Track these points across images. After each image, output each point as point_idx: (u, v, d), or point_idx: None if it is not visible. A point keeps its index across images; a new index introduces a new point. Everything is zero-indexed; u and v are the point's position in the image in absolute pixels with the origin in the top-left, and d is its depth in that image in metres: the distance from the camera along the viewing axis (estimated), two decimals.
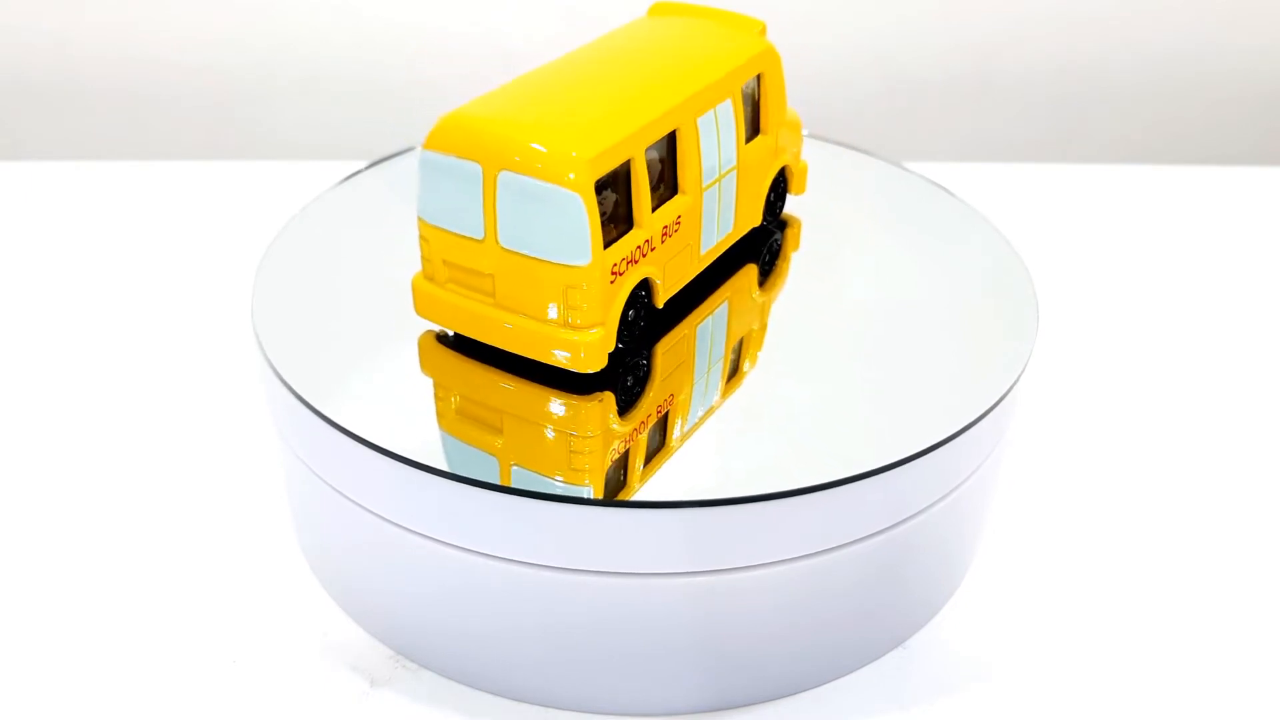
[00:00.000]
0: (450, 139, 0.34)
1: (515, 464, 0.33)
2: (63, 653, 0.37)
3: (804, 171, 0.45)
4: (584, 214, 0.33)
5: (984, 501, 0.39)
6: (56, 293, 0.55)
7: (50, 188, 0.65)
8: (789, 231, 0.45)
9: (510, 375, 0.36)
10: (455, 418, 0.35)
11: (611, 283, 0.35)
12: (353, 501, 0.35)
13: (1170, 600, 0.40)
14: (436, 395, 0.36)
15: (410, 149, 0.50)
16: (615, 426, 0.34)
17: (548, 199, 0.33)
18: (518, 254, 0.34)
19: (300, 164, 0.67)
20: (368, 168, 0.48)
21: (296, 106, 0.73)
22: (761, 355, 0.38)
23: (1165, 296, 0.57)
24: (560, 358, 0.35)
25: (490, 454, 0.33)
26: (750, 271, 0.42)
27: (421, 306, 0.37)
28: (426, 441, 0.34)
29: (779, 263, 0.43)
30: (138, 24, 0.70)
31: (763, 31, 0.42)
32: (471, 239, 0.35)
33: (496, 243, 0.35)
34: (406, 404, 0.36)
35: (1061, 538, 0.42)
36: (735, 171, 0.40)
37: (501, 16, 0.70)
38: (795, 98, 0.74)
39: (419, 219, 0.36)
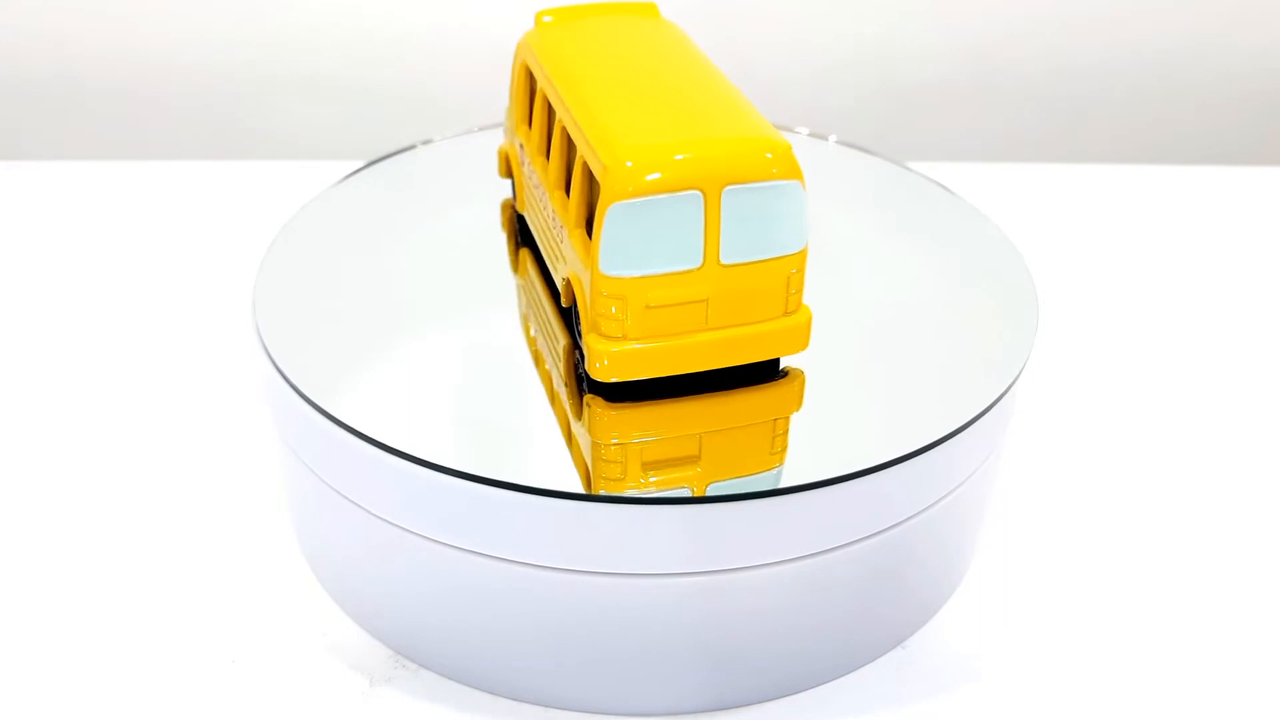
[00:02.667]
0: (650, 178, 0.33)
1: (716, 480, 0.33)
2: (63, 653, 0.37)
3: None
4: (804, 198, 0.34)
5: (984, 501, 0.39)
6: (57, 293, 0.55)
7: (50, 188, 0.65)
8: None
9: (677, 400, 0.35)
10: (648, 468, 0.34)
11: None
12: (352, 502, 0.35)
13: (1170, 600, 0.40)
14: (609, 456, 0.34)
15: (411, 147, 0.50)
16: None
17: (777, 197, 0.34)
18: (741, 265, 0.34)
19: (300, 164, 0.67)
20: (367, 167, 0.48)
21: (296, 106, 0.73)
22: None
23: (1166, 296, 0.57)
24: (778, 348, 0.36)
25: (688, 485, 0.33)
26: None
27: (610, 367, 0.34)
28: (427, 440, 0.34)
29: None
30: (137, 24, 0.70)
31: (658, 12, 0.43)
32: (685, 271, 0.34)
33: (717, 263, 0.34)
34: (407, 403, 0.36)
35: (1061, 538, 0.42)
36: None
37: (502, 16, 0.70)
38: (795, 97, 0.74)
39: (605, 278, 0.33)
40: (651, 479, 0.33)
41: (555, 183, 0.37)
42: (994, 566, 0.41)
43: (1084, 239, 0.62)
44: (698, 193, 0.33)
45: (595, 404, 0.35)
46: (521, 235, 0.44)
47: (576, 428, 0.35)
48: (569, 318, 0.38)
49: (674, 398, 0.35)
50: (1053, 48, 0.73)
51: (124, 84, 0.72)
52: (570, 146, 0.37)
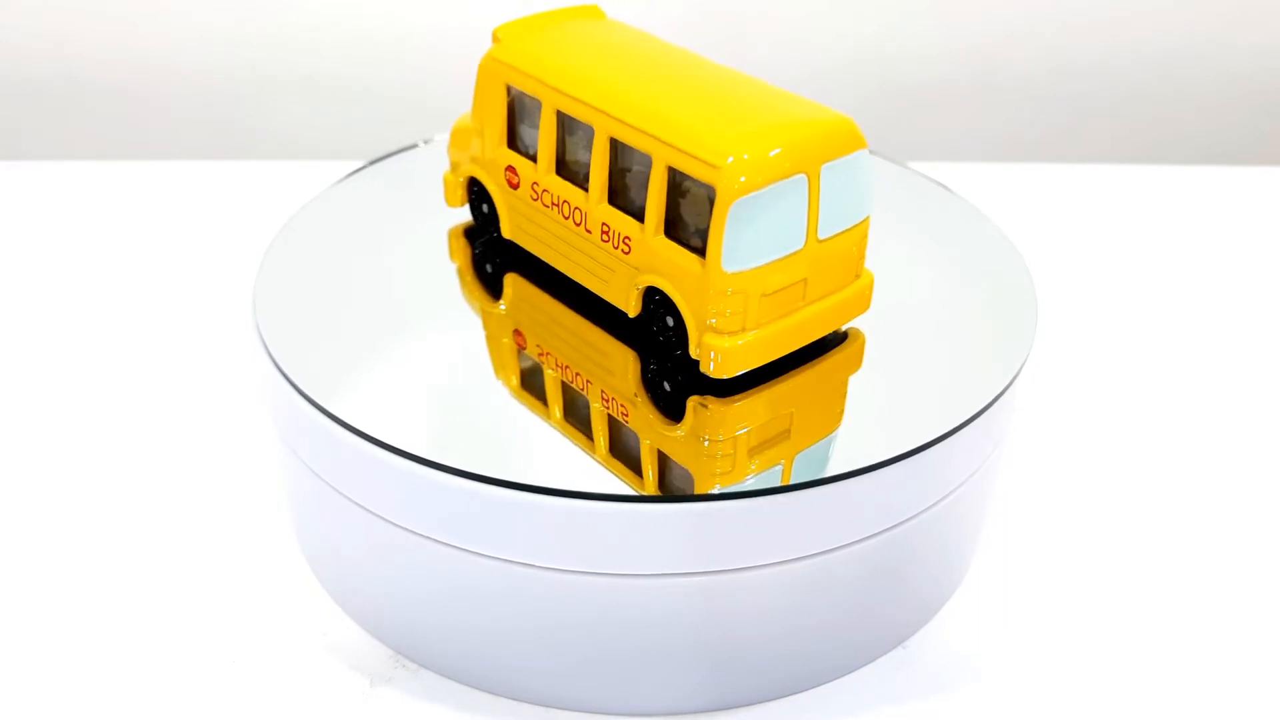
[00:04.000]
0: (762, 171, 0.33)
1: (801, 450, 0.34)
2: (63, 653, 0.37)
3: None
4: (871, 164, 0.36)
5: (984, 501, 0.39)
6: (57, 293, 0.55)
7: (50, 188, 0.65)
8: None
9: (772, 382, 0.36)
10: (751, 454, 0.34)
11: None
12: (353, 502, 0.35)
13: (1171, 599, 0.40)
14: (719, 451, 0.34)
15: (412, 146, 0.50)
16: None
17: (857, 167, 0.35)
18: (834, 237, 0.35)
19: (300, 164, 0.67)
20: (367, 167, 0.48)
21: (296, 106, 0.73)
22: None
23: (1165, 296, 0.57)
24: (853, 312, 0.37)
25: (781, 462, 0.33)
26: None
27: (727, 362, 0.35)
28: (427, 440, 0.34)
29: None
30: (137, 24, 0.70)
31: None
32: (791, 255, 0.34)
33: (816, 241, 0.35)
34: (407, 402, 0.36)
35: (1061, 538, 0.42)
36: None
37: (501, 16, 0.70)
38: None
39: (726, 276, 0.34)
40: (753, 465, 0.33)
41: (599, 196, 0.37)
42: (994, 566, 0.41)
43: (1084, 239, 0.62)
44: (803, 175, 0.34)
45: (712, 403, 0.35)
46: (503, 261, 0.42)
47: (671, 430, 0.34)
48: (634, 329, 0.38)
49: (766, 381, 0.36)
50: (1053, 48, 0.73)
51: (124, 84, 0.72)
52: (615, 158, 0.36)
